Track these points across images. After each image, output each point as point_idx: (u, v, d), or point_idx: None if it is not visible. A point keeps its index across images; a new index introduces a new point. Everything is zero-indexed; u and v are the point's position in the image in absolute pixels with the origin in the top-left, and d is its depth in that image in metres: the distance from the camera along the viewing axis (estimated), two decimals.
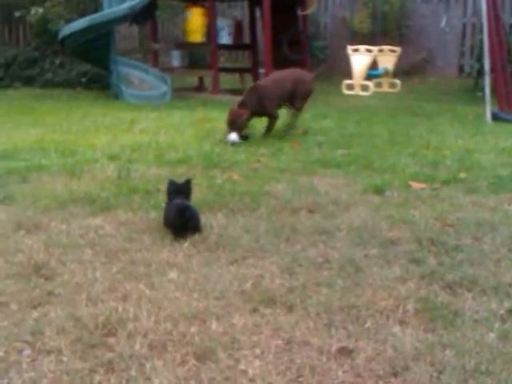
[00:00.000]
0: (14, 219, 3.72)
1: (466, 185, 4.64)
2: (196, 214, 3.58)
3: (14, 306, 2.67)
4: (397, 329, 2.51)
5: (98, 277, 2.97)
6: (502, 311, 2.64)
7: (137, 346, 2.34)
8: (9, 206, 4.04)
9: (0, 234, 3.52)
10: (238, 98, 9.68)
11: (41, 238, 3.44)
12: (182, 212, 3.51)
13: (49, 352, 2.32)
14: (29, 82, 11.18)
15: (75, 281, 2.92)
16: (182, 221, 3.49)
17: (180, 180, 3.77)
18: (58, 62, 11.30)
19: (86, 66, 10.88)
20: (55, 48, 11.11)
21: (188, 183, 3.72)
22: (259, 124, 6.69)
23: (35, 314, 2.60)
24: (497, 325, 2.53)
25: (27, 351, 2.33)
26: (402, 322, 2.57)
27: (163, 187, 4.40)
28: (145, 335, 2.43)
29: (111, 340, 2.40)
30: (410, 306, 2.69)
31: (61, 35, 9.62)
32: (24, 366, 2.24)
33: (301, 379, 2.19)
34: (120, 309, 2.62)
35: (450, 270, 3.07)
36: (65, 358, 2.27)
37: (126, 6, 9.49)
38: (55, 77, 11.18)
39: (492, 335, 2.45)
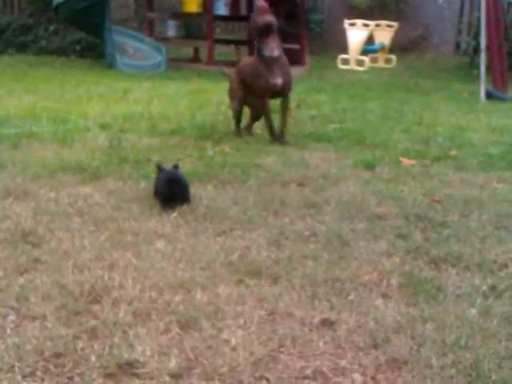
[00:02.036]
0: (3, 186, 3.72)
1: (456, 162, 4.65)
2: (185, 185, 3.58)
3: (0, 272, 2.67)
4: (379, 302, 2.54)
5: (85, 245, 2.98)
6: (484, 287, 2.66)
7: (121, 314, 2.36)
8: None
9: None
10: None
11: (29, 206, 3.44)
12: (171, 183, 3.51)
13: (33, 318, 2.33)
14: (22, 48, 11.08)
15: (62, 248, 2.93)
16: (170, 191, 3.49)
17: (167, 165, 3.73)
18: (52, 29, 11.20)
19: (81, 33, 10.78)
20: (49, 15, 11.00)
21: (175, 168, 3.67)
22: None
23: (21, 280, 2.62)
24: (479, 300, 2.55)
25: (12, 317, 2.34)
26: (384, 296, 2.60)
27: (154, 157, 4.42)
28: (129, 303, 2.45)
29: (96, 307, 2.42)
30: (394, 280, 2.72)
31: (55, 2, 9.54)
32: (8, 331, 2.25)
33: (282, 349, 2.22)
34: (106, 277, 2.64)
35: (436, 245, 3.09)
36: (49, 324, 2.29)
37: None
38: (49, 44, 11.08)
39: (473, 311, 2.47)
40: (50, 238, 3.03)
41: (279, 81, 4.98)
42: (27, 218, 3.24)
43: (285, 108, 5.20)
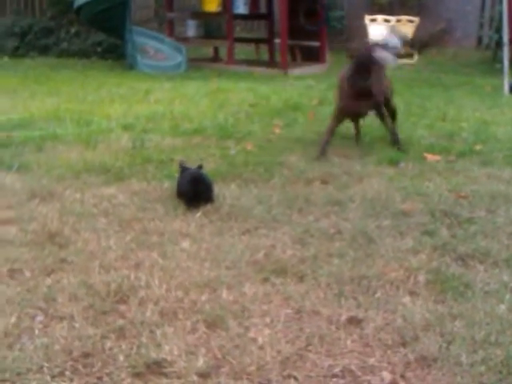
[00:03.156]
0: (29, 188, 3.76)
1: (482, 157, 4.60)
2: (209, 184, 3.59)
3: (27, 273, 2.70)
4: (407, 299, 2.52)
5: (111, 245, 2.99)
6: None
7: (148, 313, 2.37)
8: (24, 174, 4.07)
9: (15, 202, 3.56)
10: (254, 69, 9.72)
11: (55, 207, 3.47)
12: (195, 182, 3.51)
13: (61, 318, 2.35)
14: (44, 51, 11.15)
15: (88, 249, 2.95)
16: (194, 191, 3.50)
17: (191, 165, 3.74)
18: (73, 31, 11.25)
19: (102, 35, 10.82)
20: (71, 17, 11.05)
21: (200, 168, 3.67)
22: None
23: (48, 280, 2.64)
24: (507, 296, 2.52)
25: (40, 317, 2.37)
26: (412, 293, 2.58)
27: (177, 157, 4.43)
28: (156, 303, 2.46)
29: (123, 307, 2.43)
30: (421, 277, 2.70)
31: (76, 4, 9.58)
32: (36, 331, 2.28)
33: (310, 348, 2.21)
34: (132, 276, 2.65)
35: (463, 242, 3.06)
36: (77, 324, 2.30)
37: None
38: (70, 46, 11.13)
39: (502, 307, 2.45)
40: (76, 239, 3.05)
41: (362, 110, 4.80)
42: (53, 219, 3.27)
43: (383, 119, 4.87)
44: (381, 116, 4.87)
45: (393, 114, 5.00)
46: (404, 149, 4.76)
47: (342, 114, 4.82)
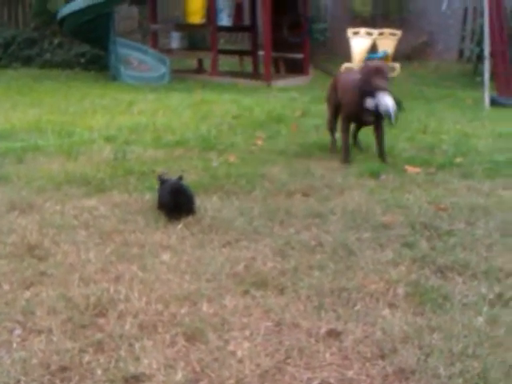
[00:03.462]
0: (9, 199, 3.74)
1: (462, 169, 4.64)
2: (191, 196, 3.59)
3: (6, 286, 2.68)
4: (386, 312, 2.53)
5: (90, 258, 2.98)
6: (491, 296, 2.66)
7: (127, 327, 2.36)
8: (4, 186, 4.04)
9: None
10: (238, 80, 9.75)
11: (35, 219, 3.45)
12: (176, 193, 3.51)
13: (39, 332, 2.34)
14: (27, 62, 11.12)
15: (68, 261, 2.94)
16: (175, 202, 3.50)
17: (171, 177, 3.74)
18: (56, 42, 11.23)
19: (85, 46, 10.81)
20: (54, 28, 11.03)
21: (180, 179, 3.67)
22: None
23: (27, 294, 2.62)
24: (485, 309, 2.54)
25: (18, 331, 2.35)
26: (391, 305, 2.59)
27: (159, 169, 4.42)
28: (135, 316, 2.45)
29: (102, 320, 2.42)
30: (401, 290, 2.71)
31: (60, 15, 9.57)
32: (14, 345, 2.26)
33: (289, 361, 2.21)
34: (112, 289, 2.64)
35: (442, 254, 3.08)
36: (55, 338, 2.29)
37: None
38: (54, 57, 11.11)
39: (480, 319, 2.46)
40: (55, 251, 3.04)
41: (370, 119, 4.83)
42: (33, 232, 3.25)
43: (378, 133, 4.92)
44: (379, 126, 4.90)
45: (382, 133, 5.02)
46: (388, 161, 4.81)
47: (351, 118, 4.91)
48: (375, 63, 4.81)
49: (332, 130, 5.23)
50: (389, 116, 4.67)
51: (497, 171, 4.59)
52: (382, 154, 4.88)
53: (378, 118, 4.79)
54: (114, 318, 2.42)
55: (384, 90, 4.60)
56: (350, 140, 5.14)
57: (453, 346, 2.27)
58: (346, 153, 4.88)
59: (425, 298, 2.63)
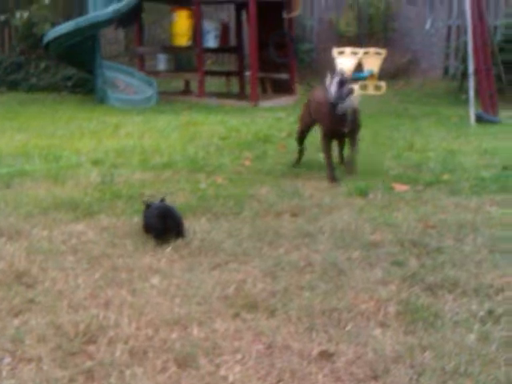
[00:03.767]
0: None
1: (449, 186, 4.67)
2: (178, 218, 3.58)
3: None
4: (377, 331, 2.53)
5: (79, 283, 2.96)
6: (482, 313, 2.66)
7: (117, 353, 2.34)
8: None
9: None
10: (225, 102, 9.78)
11: (22, 245, 3.42)
12: (163, 216, 3.50)
13: (29, 360, 2.31)
14: (13, 86, 11.11)
15: (56, 288, 2.91)
16: (163, 225, 3.49)
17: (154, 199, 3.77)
18: (42, 66, 11.24)
19: (72, 70, 10.82)
20: (40, 52, 11.04)
21: (162, 201, 3.69)
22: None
23: (16, 321, 2.59)
24: (476, 326, 2.54)
25: (7, 359, 2.32)
26: (382, 325, 2.59)
27: (147, 192, 4.42)
28: (125, 342, 2.43)
29: (91, 347, 2.39)
30: (391, 309, 2.71)
31: (46, 39, 9.58)
32: (4, 374, 2.23)
33: (281, 383, 2.20)
34: (101, 315, 2.62)
35: (432, 271, 3.09)
36: (45, 366, 2.26)
37: (111, 9, 9.45)
38: (40, 81, 11.12)
39: (472, 336, 2.46)
40: (43, 278, 3.01)
41: (346, 129, 4.94)
42: (20, 258, 3.22)
43: (353, 144, 5.08)
44: (353, 138, 5.02)
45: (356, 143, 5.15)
46: (355, 172, 4.95)
47: (329, 134, 5.04)
48: (338, 76, 4.90)
49: (300, 140, 5.40)
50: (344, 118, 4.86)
51: (483, 187, 4.62)
52: (352, 169, 5.01)
53: (353, 128, 4.94)
54: (103, 345, 2.40)
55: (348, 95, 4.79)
56: (337, 159, 5.20)
57: (445, 365, 2.26)
58: (331, 171, 4.93)
59: (416, 317, 2.63)
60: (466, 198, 4.36)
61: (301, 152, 5.41)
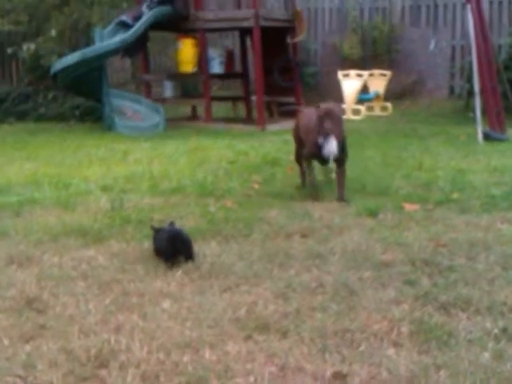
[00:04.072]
0: (7, 253, 3.72)
1: (459, 205, 4.65)
2: (188, 241, 3.57)
3: (5, 341, 2.65)
4: (391, 351, 2.50)
5: (90, 309, 2.95)
6: (496, 330, 2.63)
7: (129, 378, 2.32)
8: (2, 240, 4.02)
9: None
10: (232, 126, 9.83)
11: (33, 272, 3.43)
12: (173, 240, 3.50)
13: None
14: (22, 116, 11.21)
15: (67, 313, 2.91)
16: (173, 249, 3.49)
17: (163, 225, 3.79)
18: (50, 96, 11.35)
19: (79, 99, 10.92)
20: (48, 82, 11.15)
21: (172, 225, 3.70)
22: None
23: (27, 347, 2.59)
24: (491, 344, 2.51)
25: None
26: (396, 345, 2.56)
27: (156, 217, 4.42)
28: (137, 366, 2.41)
29: (103, 372, 2.38)
30: (405, 328, 2.68)
31: (53, 70, 9.68)
32: None
33: None
34: (112, 340, 2.61)
35: (444, 290, 3.06)
36: None
37: (117, 39, 9.56)
38: (48, 111, 11.21)
39: (486, 355, 2.43)
40: (54, 304, 3.01)
41: (331, 156, 4.89)
42: (31, 285, 3.22)
43: (340, 178, 5.03)
44: (340, 167, 5.01)
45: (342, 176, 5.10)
46: (346, 202, 4.86)
47: (310, 156, 5.05)
48: (328, 106, 4.93)
49: (299, 161, 5.41)
50: (327, 159, 4.87)
51: (494, 205, 4.61)
52: (340, 194, 4.93)
53: (339, 157, 4.91)
54: (115, 370, 2.39)
55: (330, 133, 4.74)
56: (321, 176, 5.33)
57: None
58: (313, 189, 5.02)
59: (429, 336, 2.60)
60: (477, 216, 4.34)
61: (303, 173, 5.39)
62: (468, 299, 2.94)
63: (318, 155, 4.91)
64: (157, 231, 3.63)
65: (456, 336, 2.60)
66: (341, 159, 4.97)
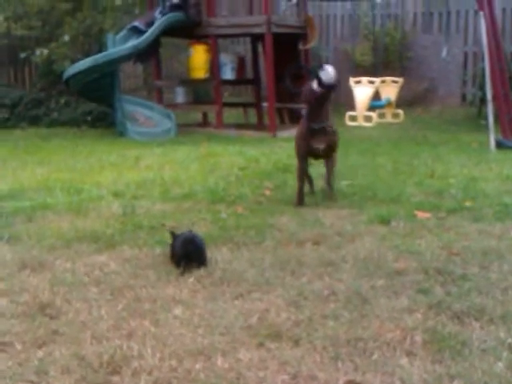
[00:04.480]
0: (20, 259, 3.73)
1: (472, 213, 4.63)
2: (201, 247, 3.58)
3: (18, 346, 2.65)
4: (404, 360, 2.49)
5: (102, 314, 2.96)
6: (510, 340, 2.61)
7: None
8: (14, 245, 4.04)
9: (5, 273, 3.52)
10: (244, 132, 9.83)
11: (46, 277, 3.44)
12: (187, 244, 3.52)
13: None
14: (35, 121, 11.27)
15: (80, 319, 2.91)
16: (185, 252, 3.50)
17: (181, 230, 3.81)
18: (63, 101, 11.40)
19: (92, 104, 10.97)
20: (60, 88, 11.22)
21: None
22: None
23: (40, 353, 2.59)
24: (505, 354, 2.50)
25: None
26: (409, 354, 2.55)
27: (168, 223, 4.43)
28: (150, 373, 2.41)
29: (116, 378, 2.38)
30: (418, 337, 2.67)
31: (65, 75, 9.73)
32: None
33: None
34: (125, 346, 2.61)
35: (458, 299, 3.05)
36: None
37: (129, 45, 9.61)
38: (61, 116, 11.27)
39: (500, 365, 2.42)
40: (67, 309, 3.01)
41: (322, 146, 4.95)
42: (44, 290, 3.23)
43: (329, 166, 5.11)
44: (329, 157, 5.04)
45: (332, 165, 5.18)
46: (335, 199, 4.97)
47: (303, 153, 5.07)
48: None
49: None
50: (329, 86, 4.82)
51: (506, 214, 4.58)
52: (329, 186, 5.00)
53: (328, 145, 4.93)
54: (128, 376, 2.39)
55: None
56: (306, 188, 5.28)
57: None
58: (299, 194, 5.05)
59: (443, 345, 2.59)
60: (490, 225, 4.32)
61: (308, 178, 5.36)
62: (481, 308, 2.92)
63: (308, 147, 4.94)
64: (175, 236, 3.65)
65: (469, 345, 2.58)
66: (330, 150, 5.01)
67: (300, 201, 5.03)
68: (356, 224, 4.42)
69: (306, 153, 5.07)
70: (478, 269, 3.48)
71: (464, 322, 2.82)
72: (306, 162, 5.17)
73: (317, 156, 5.16)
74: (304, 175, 5.15)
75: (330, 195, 5.10)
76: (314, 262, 3.63)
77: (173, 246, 3.63)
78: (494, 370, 2.39)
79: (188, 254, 3.51)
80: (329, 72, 4.77)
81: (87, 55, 10.40)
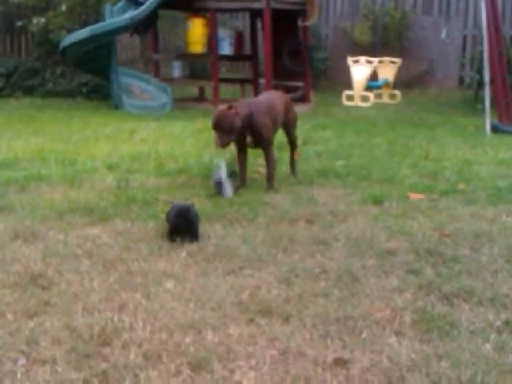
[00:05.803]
0: (12, 229, 3.73)
1: (465, 196, 4.64)
2: (193, 221, 3.59)
3: (9, 316, 2.66)
4: (393, 339, 2.51)
5: (94, 287, 2.97)
6: (498, 322, 2.64)
7: (131, 356, 2.34)
8: (7, 215, 4.03)
9: None
10: None
11: (38, 248, 3.44)
12: (179, 216, 3.53)
13: (43, 362, 2.32)
14: (30, 91, 11.19)
15: (72, 291, 2.92)
16: (176, 224, 3.51)
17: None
18: (58, 72, 11.31)
19: (87, 76, 10.88)
20: (56, 58, 11.13)
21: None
22: None
23: (31, 323, 2.60)
24: (493, 336, 2.52)
25: (22, 361, 2.33)
26: (398, 333, 2.57)
27: (162, 197, 4.43)
28: (140, 345, 2.43)
29: (106, 350, 2.40)
30: (407, 317, 2.69)
31: (62, 45, 9.65)
32: (18, 375, 2.24)
33: None
34: (116, 319, 2.62)
35: (448, 280, 3.07)
36: (59, 368, 2.27)
37: (126, 16, 9.52)
38: (56, 87, 11.19)
39: (488, 346, 2.44)
40: (59, 281, 3.02)
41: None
42: (36, 261, 3.24)
43: (292, 145, 5.24)
44: (264, 153, 4.97)
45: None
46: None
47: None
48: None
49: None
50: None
51: (500, 197, 4.60)
52: (269, 177, 4.88)
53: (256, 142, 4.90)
54: (118, 348, 2.40)
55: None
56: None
57: (461, 374, 2.25)
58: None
59: (431, 326, 2.61)
60: (482, 208, 4.34)
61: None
62: (471, 290, 2.95)
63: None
64: (171, 206, 3.67)
65: (458, 326, 2.60)
66: (259, 145, 4.93)
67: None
68: (349, 203, 4.43)
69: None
70: (468, 251, 3.50)
71: (453, 303, 2.84)
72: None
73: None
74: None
75: (270, 184, 4.88)
76: (306, 240, 3.64)
77: (167, 215, 3.65)
78: (481, 351, 2.41)
79: (179, 227, 3.52)
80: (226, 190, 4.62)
81: (84, 26, 10.31)
